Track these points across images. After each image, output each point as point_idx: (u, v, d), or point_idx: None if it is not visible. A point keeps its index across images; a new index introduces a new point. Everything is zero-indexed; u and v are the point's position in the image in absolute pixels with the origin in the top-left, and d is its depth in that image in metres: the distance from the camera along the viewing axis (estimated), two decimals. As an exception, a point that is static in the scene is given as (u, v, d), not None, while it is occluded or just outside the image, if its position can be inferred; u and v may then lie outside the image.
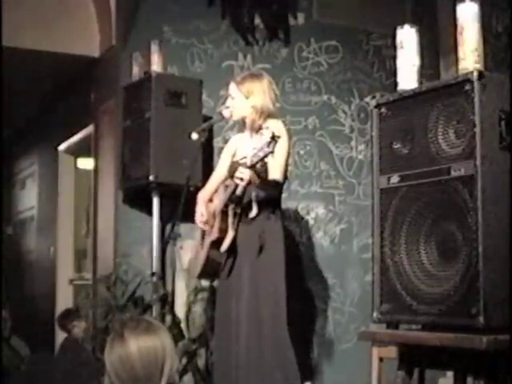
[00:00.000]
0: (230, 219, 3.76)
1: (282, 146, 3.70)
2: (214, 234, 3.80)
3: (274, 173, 3.75)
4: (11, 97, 6.16)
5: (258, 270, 3.73)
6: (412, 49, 2.96)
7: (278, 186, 3.80)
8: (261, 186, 3.68)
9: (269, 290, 3.72)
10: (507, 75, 2.80)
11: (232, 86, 3.95)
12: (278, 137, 3.48)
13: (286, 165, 3.86)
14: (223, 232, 3.77)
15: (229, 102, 3.95)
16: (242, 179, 3.57)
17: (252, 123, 3.86)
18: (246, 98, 3.86)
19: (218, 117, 4.20)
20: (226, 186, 3.83)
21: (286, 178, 3.90)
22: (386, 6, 5.52)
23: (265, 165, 3.68)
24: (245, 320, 3.68)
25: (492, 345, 2.48)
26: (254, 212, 3.72)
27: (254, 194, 3.70)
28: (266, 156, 3.46)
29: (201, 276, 4.08)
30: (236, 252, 3.79)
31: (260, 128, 3.79)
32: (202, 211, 3.94)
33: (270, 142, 3.44)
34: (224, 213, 3.78)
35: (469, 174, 2.60)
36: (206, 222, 3.90)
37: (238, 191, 3.69)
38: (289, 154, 3.88)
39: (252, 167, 3.53)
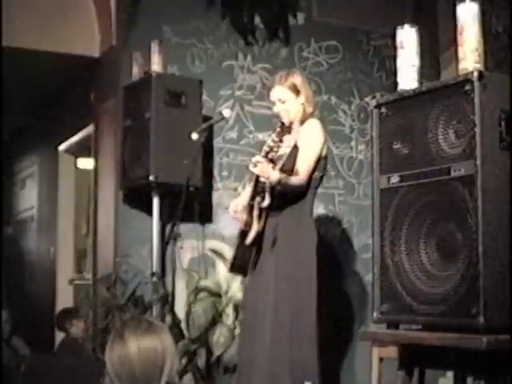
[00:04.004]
0: (255, 212, 3.73)
1: (312, 140, 3.72)
2: (241, 227, 3.78)
3: (300, 170, 3.68)
4: (11, 97, 6.16)
5: (281, 263, 3.70)
6: (412, 49, 2.96)
7: (299, 186, 3.73)
8: (278, 182, 3.65)
9: (293, 282, 3.69)
10: (507, 75, 2.80)
11: (278, 90, 3.83)
12: (287, 127, 3.46)
13: (317, 162, 3.77)
14: (248, 225, 3.74)
15: (279, 108, 3.82)
16: (255, 165, 3.56)
17: (302, 118, 3.79)
18: (296, 97, 3.84)
19: (217, 117, 4.19)
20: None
21: (321, 174, 3.82)
22: (386, 6, 5.52)
23: (294, 158, 3.66)
24: (269, 318, 3.67)
25: (492, 345, 2.49)
26: (266, 202, 3.68)
27: (268, 186, 3.68)
28: (275, 145, 3.47)
29: (231, 269, 3.92)
30: (261, 246, 3.76)
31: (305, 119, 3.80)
32: (237, 202, 3.87)
33: (278, 133, 3.45)
34: (251, 206, 3.75)
35: (469, 173, 2.60)
36: (236, 212, 3.84)
37: (262, 181, 3.68)
38: (321, 149, 3.79)
39: (266, 158, 3.53)
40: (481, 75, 2.61)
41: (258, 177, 3.69)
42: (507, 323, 2.54)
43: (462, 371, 2.84)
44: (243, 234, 3.74)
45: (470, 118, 2.61)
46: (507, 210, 2.59)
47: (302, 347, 3.65)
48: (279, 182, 3.61)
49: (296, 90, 3.82)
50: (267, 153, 3.56)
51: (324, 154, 3.83)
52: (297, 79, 3.86)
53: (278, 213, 3.74)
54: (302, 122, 3.80)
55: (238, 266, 3.87)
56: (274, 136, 3.58)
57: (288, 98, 3.82)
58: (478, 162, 2.57)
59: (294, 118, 3.79)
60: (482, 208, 2.55)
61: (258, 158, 3.56)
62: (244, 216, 3.75)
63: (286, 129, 3.73)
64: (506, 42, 4.99)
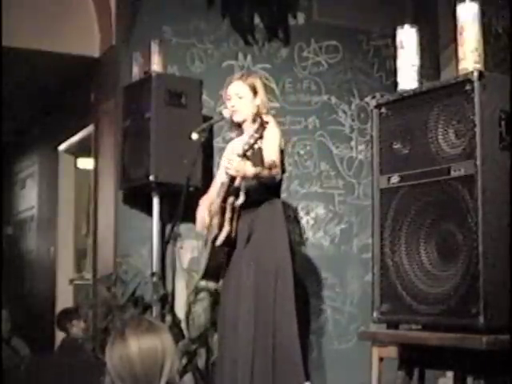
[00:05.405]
0: (228, 214, 3.73)
1: (273, 134, 3.73)
2: (215, 231, 3.78)
3: (275, 163, 3.71)
4: (12, 97, 6.16)
5: (256, 259, 3.71)
6: (412, 49, 2.96)
7: (277, 176, 3.75)
8: (255, 176, 3.65)
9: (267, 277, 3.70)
10: (507, 75, 2.80)
11: (238, 85, 3.90)
12: (266, 122, 3.52)
13: (281, 154, 3.82)
14: (220, 227, 3.75)
15: (234, 102, 3.90)
16: (229, 167, 3.59)
17: (255, 119, 3.82)
18: (253, 97, 3.86)
19: (218, 117, 4.19)
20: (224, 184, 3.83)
21: (283, 170, 3.87)
22: (386, 5, 5.52)
23: (260, 154, 3.67)
24: (244, 320, 3.67)
25: (492, 345, 2.48)
26: (240, 200, 3.70)
27: (243, 184, 3.69)
28: (255, 141, 3.48)
29: (204, 276, 3.97)
30: (235, 246, 3.77)
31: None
32: (203, 215, 3.91)
33: (258, 129, 3.46)
34: (223, 208, 3.77)
35: (469, 173, 2.60)
36: (206, 227, 3.88)
37: (236, 183, 3.69)
38: (280, 143, 3.83)
39: (244, 156, 3.54)
40: (481, 75, 2.61)
41: (231, 179, 3.69)
42: (507, 323, 2.54)
43: (462, 371, 2.83)
44: (216, 238, 3.75)
45: (470, 118, 2.60)
46: (507, 210, 2.59)
47: (285, 345, 3.65)
48: (256, 176, 3.61)
49: (254, 91, 3.88)
50: (246, 151, 3.55)
51: (282, 146, 3.87)
52: (257, 81, 3.95)
53: (252, 211, 3.74)
54: (254, 120, 3.82)
55: (211, 274, 3.88)
56: (253, 132, 3.57)
57: (246, 95, 3.87)
58: (478, 162, 2.57)
59: (247, 116, 3.85)
60: (481, 208, 2.54)
61: (232, 156, 3.57)
62: (217, 219, 3.76)
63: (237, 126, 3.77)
64: (506, 41, 4.99)
